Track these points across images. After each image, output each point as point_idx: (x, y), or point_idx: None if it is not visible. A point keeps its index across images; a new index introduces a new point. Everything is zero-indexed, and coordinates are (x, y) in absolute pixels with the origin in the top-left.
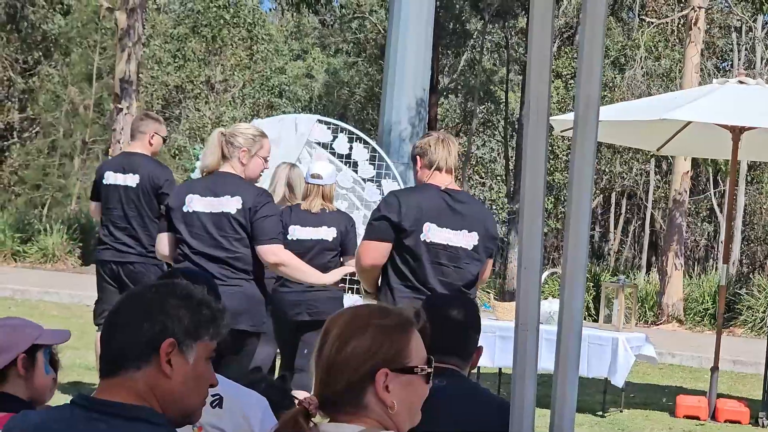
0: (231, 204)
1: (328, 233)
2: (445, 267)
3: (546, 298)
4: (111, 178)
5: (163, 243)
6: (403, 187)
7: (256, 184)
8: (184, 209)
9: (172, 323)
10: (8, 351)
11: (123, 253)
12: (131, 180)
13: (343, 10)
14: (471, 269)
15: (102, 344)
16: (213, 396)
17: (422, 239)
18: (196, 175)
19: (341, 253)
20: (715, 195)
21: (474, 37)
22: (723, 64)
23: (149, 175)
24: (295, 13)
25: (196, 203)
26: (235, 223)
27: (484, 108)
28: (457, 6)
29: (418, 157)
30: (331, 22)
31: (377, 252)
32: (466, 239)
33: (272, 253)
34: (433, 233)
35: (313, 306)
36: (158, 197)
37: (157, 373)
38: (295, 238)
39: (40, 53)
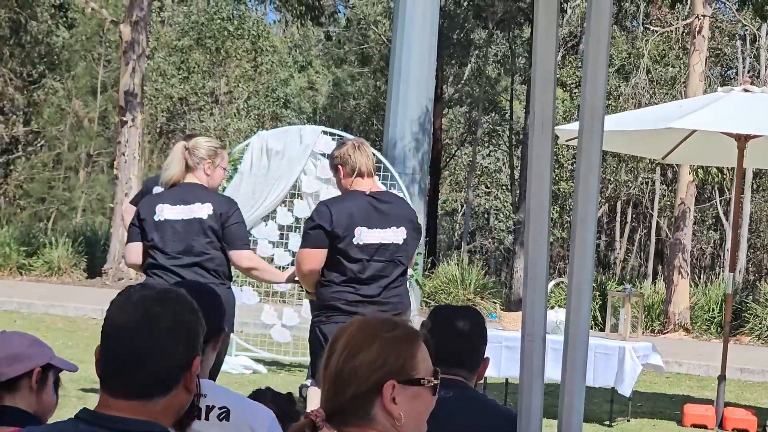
0: (202, 210)
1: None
2: (378, 263)
3: (552, 308)
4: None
5: (134, 252)
6: (407, 196)
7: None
8: (156, 218)
9: (198, 340)
10: (27, 360)
11: None
12: None
13: (348, 21)
14: (403, 260)
15: (125, 371)
16: (220, 409)
17: (355, 242)
18: None
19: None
20: (720, 203)
21: (478, 47)
22: (728, 72)
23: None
24: (299, 26)
25: (167, 212)
26: (207, 228)
27: (489, 118)
28: (461, 16)
29: (339, 167)
30: (336, 33)
31: (315, 258)
32: (396, 235)
33: (246, 258)
34: (365, 235)
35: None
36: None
37: (183, 392)
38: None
39: (44, 67)
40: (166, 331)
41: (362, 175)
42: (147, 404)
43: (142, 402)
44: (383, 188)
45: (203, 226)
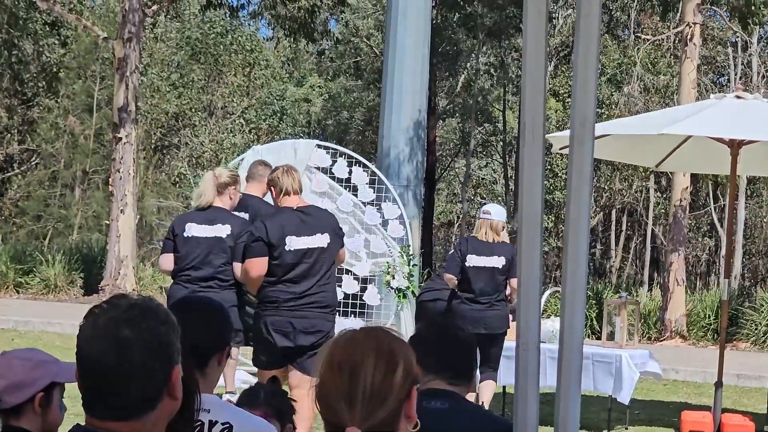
0: (223, 231)
1: (498, 261)
2: (306, 264)
3: (548, 317)
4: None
5: (166, 261)
6: (401, 207)
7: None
8: (185, 234)
9: (173, 349)
10: (28, 387)
11: None
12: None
13: (341, 35)
14: (327, 260)
15: (106, 398)
16: (223, 424)
17: (287, 249)
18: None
19: (508, 276)
20: (715, 210)
21: (469, 58)
22: (720, 79)
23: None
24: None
25: (194, 229)
26: (226, 246)
27: (482, 129)
28: (451, 28)
29: (272, 188)
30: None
31: (259, 265)
32: (320, 240)
33: (238, 269)
34: (294, 243)
35: (490, 322)
36: None
37: (169, 401)
38: (471, 265)
39: (38, 85)
40: (138, 354)
41: (288, 194)
42: (136, 422)
43: (130, 422)
44: (308, 203)
45: (222, 244)
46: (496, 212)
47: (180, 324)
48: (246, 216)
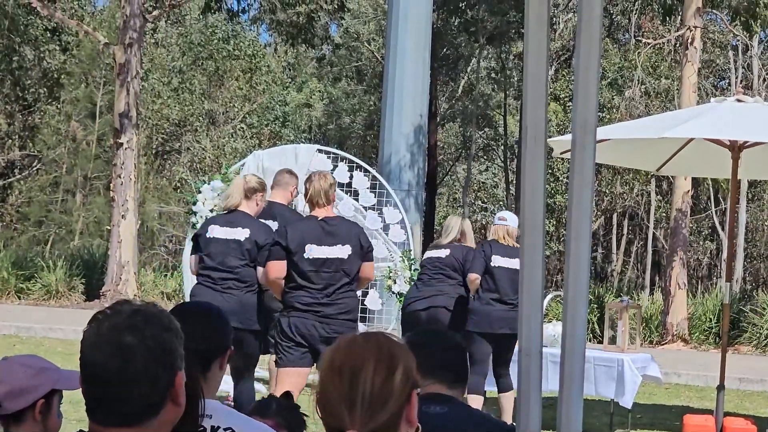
0: (242, 234)
1: (518, 264)
2: (326, 273)
3: (551, 321)
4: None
5: (193, 261)
6: (402, 212)
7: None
8: (207, 235)
9: (176, 355)
10: (29, 393)
11: None
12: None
13: (342, 40)
14: (348, 270)
15: (109, 405)
16: (225, 429)
17: (305, 256)
18: (197, 207)
19: None
20: (716, 213)
21: (470, 63)
22: (720, 83)
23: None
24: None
25: (216, 231)
26: (244, 249)
27: (483, 133)
28: (452, 33)
29: (303, 196)
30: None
31: (276, 268)
32: (340, 251)
33: (260, 273)
34: (313, 251)
35: (514, 324)
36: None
37: (173, 407)
38: (497, 265)
39: (41, 90)
40: (141, 360)
41: (317, 204)
42: (139, 428)
43: (133, 428)
44: (337, 214)
45: (240, 247)
46: (511, 219)
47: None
48: (275, 224)
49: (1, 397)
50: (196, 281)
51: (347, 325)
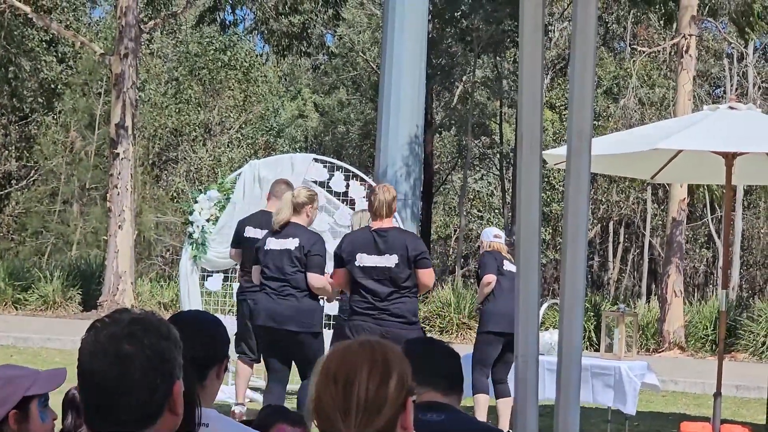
0: (292, 243)
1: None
2: (375, 280)
3: (547, 329)
4: (251, 232)
5: (256, 272)
6: (399, 221)
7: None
8: (265, 248)
9: (174, 364)
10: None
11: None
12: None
13: (337, 50)
14: (396, 278)
15: (106, 414)
16: None
17: (356, 264)
18: (194, 217)
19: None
20: (712, 221)
21: (466, 72)
22: (716, 91)
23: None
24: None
25: (271, 243)
26: (294, 257)
27: (479, 142)
28: (446, 42)
29: (368, 207)
30: (324, 62)
31: (340, 276)
32: (388, 260)
33: (315, 279)
34: (364, 260)
35: None
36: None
37: (170, 416)
38: (507, 269)
39: (38, 101)
40: (139, 369)
41: (380, 216)
42: None
43: None
44: (392, 225)
45: (291, 255)
46: (502, 235)
47: (183, 332)
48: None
49: None
50: (258, 290)
51: (401, 327)
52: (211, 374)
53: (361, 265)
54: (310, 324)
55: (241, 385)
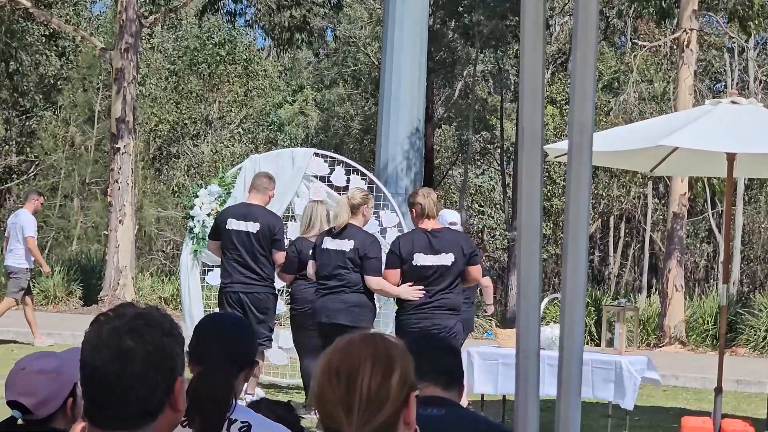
0: (347, 245)
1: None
2: (432, 278)
3: (548, 324)
4: (233, 224)
5: (312, 269)
6: (400, 215)
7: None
8: (322, 247)
9: (176, 360)
10: (57, 398)
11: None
12: (252, 227)
13: (337, 43)
14: (453, 273)
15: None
16: (242, 422)
17: (414, 264)
18: (195, 212)
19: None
20: (713, 215)
21: (467, 66)
22: (717, 85)
23: (268, 224)
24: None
25: (328, 243)
26: (348, 258)
27: (480, 136)
28: (447, 37)
29: (412, 209)
30: (325, 56)
31: (391, 275)
32: (445, 259)
33: (374, 282)
34: (421, 259)
35: None
36: (273, 243)
37: (170, 412)
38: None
39: (39, 96)
40: (141, 365)
41: (428, 217)
42: None
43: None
44: (443, 226)
45: (345, 256)
46: (458, 221)
47: (218, 335)
48: (256, 225)
49: (32, 408)
50: (315, 288)
51: (447, 316)
52: (242, 375)
53: (418, 264)
54: (361, 319)
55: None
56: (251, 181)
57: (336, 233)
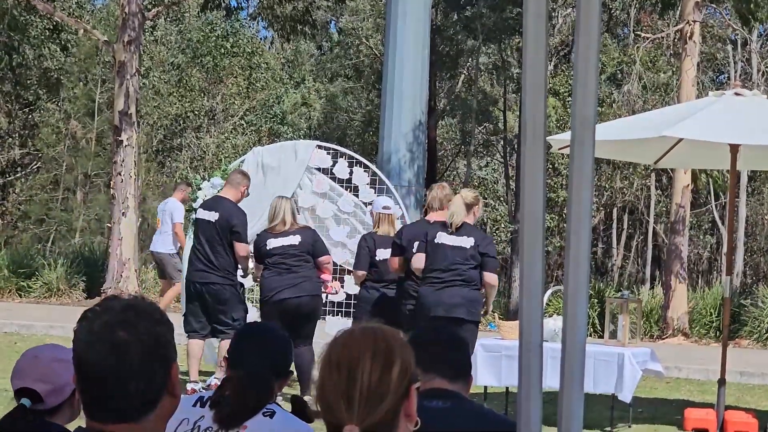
0: (467, 242)
1: None
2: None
3: (551, 316)
4: (201, 213)
5: (421, 262)
6: (403, 208)
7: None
8: (435, 241)
9: (170, 347)
10: (68, 387)
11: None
12: (212, 216)
13: (341, 35)
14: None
15: (105, 402)
16: (267, 408)
17: (437, 242)
18: (198, 204)
19: None
20: (716, 207)
21: (470, 58)
22: (720, 77)
23: (227, 214)
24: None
25: (443, 238)
26: (468, 255)
27: (482, 128)
28: (451, 29)
29: (428, 203)
30: (328, 49)
31: (393, 262)
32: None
33: (494, 278)
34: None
35: None
36: (231, 233)
37: (169, 399)
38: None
39: (41, 89)
40: (135, 356)
41: (435, 210)
42: (138, 424)
43: (131, 423)
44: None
45: (467, 253)
46: (392, 205)
47: (259, 344)
48: (216, 214)
49: (44, 395)
50: (424, 282)
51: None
52: (276, 385)
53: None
54: (477, 314)
55: (193, 364)
56: (230, 176)
57: (453, 231)
